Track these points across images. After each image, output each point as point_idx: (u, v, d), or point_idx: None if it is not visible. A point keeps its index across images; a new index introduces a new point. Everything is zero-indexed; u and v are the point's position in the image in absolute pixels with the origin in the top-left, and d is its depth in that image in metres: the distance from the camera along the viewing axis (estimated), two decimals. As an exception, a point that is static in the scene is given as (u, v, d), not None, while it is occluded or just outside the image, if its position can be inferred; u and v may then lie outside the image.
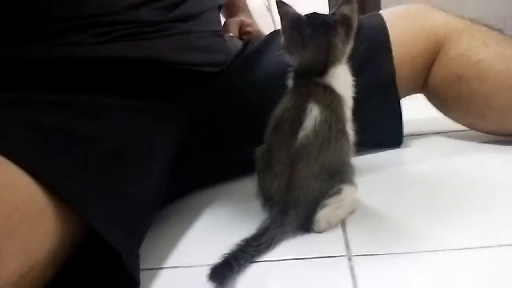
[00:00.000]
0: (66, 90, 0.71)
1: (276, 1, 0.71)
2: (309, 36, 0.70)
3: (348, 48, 0.73)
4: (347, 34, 0.71)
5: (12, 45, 0.73)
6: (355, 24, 0.72)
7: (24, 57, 0.72)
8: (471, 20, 0.94)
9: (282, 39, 0.73)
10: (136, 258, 0.63)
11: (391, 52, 0.90)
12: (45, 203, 0.56)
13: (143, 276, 0.62)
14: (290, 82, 0.74)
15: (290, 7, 0.71)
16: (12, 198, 0.54)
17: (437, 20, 0.94)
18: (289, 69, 0.74)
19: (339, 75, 0.71)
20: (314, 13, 0.72)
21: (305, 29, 0.70)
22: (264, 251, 0.66)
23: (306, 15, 0.71)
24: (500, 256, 0.62)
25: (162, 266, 0.67)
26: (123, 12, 0.76)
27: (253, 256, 0.64)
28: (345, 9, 0.71)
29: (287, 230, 0.68)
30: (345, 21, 0.71)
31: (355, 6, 0.71)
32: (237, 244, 0.64)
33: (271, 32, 0.99)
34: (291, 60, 0.73)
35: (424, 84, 0.95)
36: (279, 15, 0.72)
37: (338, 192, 0.68)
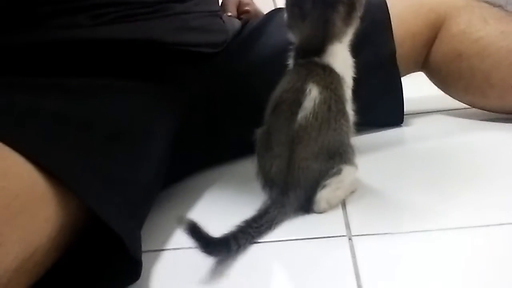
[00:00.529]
0: (62, 73, 0.71)
1: None
2: (309, 10, 0.69)
3: (350, 29, 0.71)
4: (349, 14, 0.70)
5: (5, 28, 0.72)
6: (359, 6, 0.70)
7: (18, 40, 0.71)
8: (472, -4, 0.93)
9: (284, 15, 0.72)
10: (137, 240, 0.63)
11: (391, 30, 0.90)
12: (45, 189, 0.56)
13: (145, 258, 0.62)
14: (290, 62, 0.73)
15: None
16: (12, 185, 0.54)
17: (437, -3, 0.93)
18: (290, 47, 0.73)
19: (337, 54, 0.70)
20: None
21: (305, 4, 0.69)
22: (264, 232, 0.66)
23: None
24: (500, 235, 0.62)
25: (164, 248, 0.68)
26: None
27: (253, 237, 0.65)
28: None
29: (288, 211, 0.68)
30: (348, 1, 0.70)
31: None
32: (237, 225, 0.64)
33: (270, 11, 0.98)
34: (292, 37, 0.72)
35: (425, 62, 0.95)
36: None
37: (338, 172, 0.68)
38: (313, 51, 0.70)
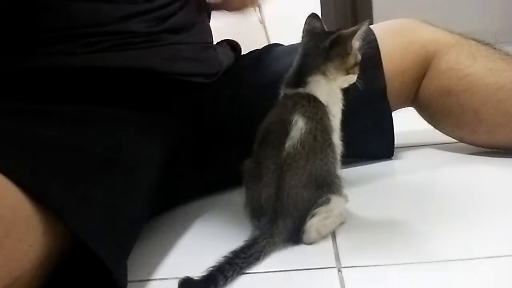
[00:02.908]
0: (54, 99, 0.71)
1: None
2: (306, 44, 0.73)
3: (338, 66, 0.72)
4: (337, 53, 0.71)
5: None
6: (349, 48, 0.72)
7: (11, 66, 0.72)
8: (461, 34, 0.95)
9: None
10: (123, 268, 0.62)
11: (382, 66, 0.91)
12: (31, 213, 0.56)
13: (131, 287, 0.61)
14: (280, 92, 0.74)
15: (318, 21, 0.75)
16: None
17: (427, 35, 0.94)
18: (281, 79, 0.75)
19: (321, 85, 0.72)
20: (327, 32, 0.74)
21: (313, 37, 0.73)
22: (253, 263, 0.65)
23: (321, 32, 0.75)
24: (488, 268, 0.62)
25: (151, 278, 0.67)
26: (112, 23, 0.76)
27: (241, 268, 0.64)
28: (342, 32, 0.72)
29: (276, 241, 0.67)
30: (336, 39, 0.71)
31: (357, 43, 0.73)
32: (225, 256, 0.64)
33: (266, 46, 0.99)
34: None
35: (415, 98, 0.96)
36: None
37: (327, 201, 0.69)
38: (297, 82, 0.72)
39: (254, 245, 0.66)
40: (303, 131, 0.68)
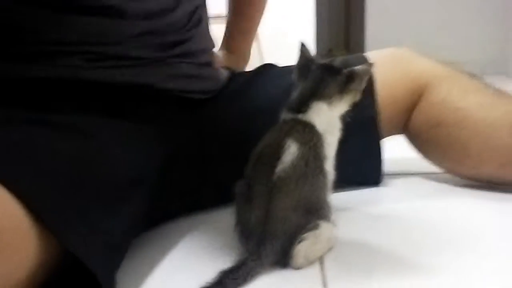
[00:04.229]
0: (51, 110, 0.71)
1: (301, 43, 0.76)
2: (311, 71, 0.74)
3: (344, 98, 0.74)
4: (345, 84, 0.74)
5: (3, 62, 0.73)
6: (358, 81, 0.74)
7: (16, 75, 0.72)
8: (454, 67, 0.96)
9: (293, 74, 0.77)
10: (112, 281, 0.63)
11: (375, 95, 0.92)
12: (30, 227, 0.56)
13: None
14: (281, 116, 0.75)
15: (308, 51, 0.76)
16: None
17: (420, 66, 0.96)
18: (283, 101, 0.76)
19: (322, 113, 0.73)
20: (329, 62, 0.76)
21: (312, 66, 0.74)
22: (241, 284, 0.66)
23: (320, 62, 0.76)
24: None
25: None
26: (114, 45, 0.77)
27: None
28: (359, 69, 0.74)
29: (264, 263, 0.68)
30: (348, 72, 0.73)
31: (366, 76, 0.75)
32: (215, 277, 0.64)
33: (262, 65, 1.01)
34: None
35: (405, 127, 0.97)
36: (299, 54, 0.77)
37: (316, 227, 0.70)
38: (298, 108, 0.73)
39: (242, 266, 0.67)
40: (295, 155, 0.69)
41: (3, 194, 0.56)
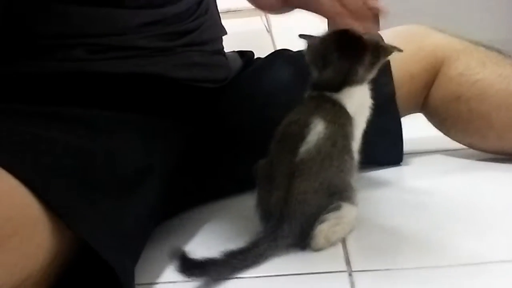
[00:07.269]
0: (63, 103, 0.71)
1: (299, 35, 0.73)
2: (333, 59, 0.69)
3: (370, 75, 0.72)
4: (372, 63, 0.71)
5: (6, 58, 0.73)
6: (383, 56, 0.72)
7: (20, 70, 0.72)
8: (470, 40, 0.95)
9: (306, 57, 0.73)
10: (130, 273, 0.62)
11: (391, 73, 0.91)
12: (40, 216, 0.56)
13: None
14: (306, 94, 0.73)
15: (313, 37, 0.72)
16: (6, 208, 0.53)
17: (436, 40, 0.94)
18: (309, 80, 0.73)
19: (354, 95, 0.71)
20: (345, 33, 0.70)
21: (330, 53, 0.69)
22: (251, 265, 0.65)
23: (335, 34, 0.70)
24: (500, 272, 0.62)
25: (158, 281, 0.67)
26: (125, 33, 0.76)
27: (235, 268, 0.64)
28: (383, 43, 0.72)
29: (279, 245, 0.66)
30: (375, 52, 0.71)
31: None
32: (221, 253, 0.63)
33: (274, 51, 1.00)
34: (312, 73, 0.72)
35: (424, 104, 0.96)
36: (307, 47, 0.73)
37: (337, 208, 0.68)
38: (329, 88, 0.70)
39: (254, 248, 0.65)
40: (321, 135, 0.67)
41: (11, 183, 0.55)
